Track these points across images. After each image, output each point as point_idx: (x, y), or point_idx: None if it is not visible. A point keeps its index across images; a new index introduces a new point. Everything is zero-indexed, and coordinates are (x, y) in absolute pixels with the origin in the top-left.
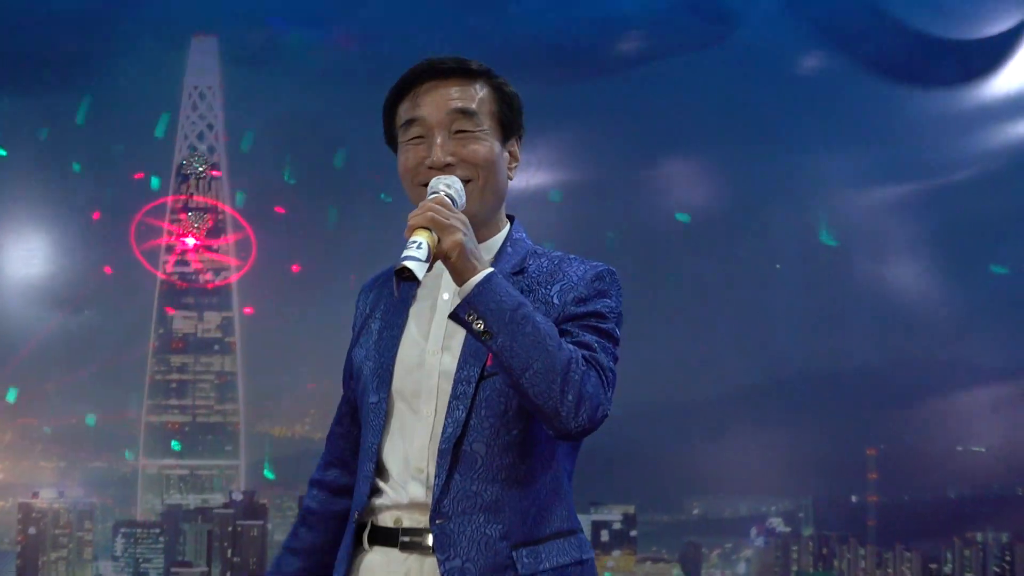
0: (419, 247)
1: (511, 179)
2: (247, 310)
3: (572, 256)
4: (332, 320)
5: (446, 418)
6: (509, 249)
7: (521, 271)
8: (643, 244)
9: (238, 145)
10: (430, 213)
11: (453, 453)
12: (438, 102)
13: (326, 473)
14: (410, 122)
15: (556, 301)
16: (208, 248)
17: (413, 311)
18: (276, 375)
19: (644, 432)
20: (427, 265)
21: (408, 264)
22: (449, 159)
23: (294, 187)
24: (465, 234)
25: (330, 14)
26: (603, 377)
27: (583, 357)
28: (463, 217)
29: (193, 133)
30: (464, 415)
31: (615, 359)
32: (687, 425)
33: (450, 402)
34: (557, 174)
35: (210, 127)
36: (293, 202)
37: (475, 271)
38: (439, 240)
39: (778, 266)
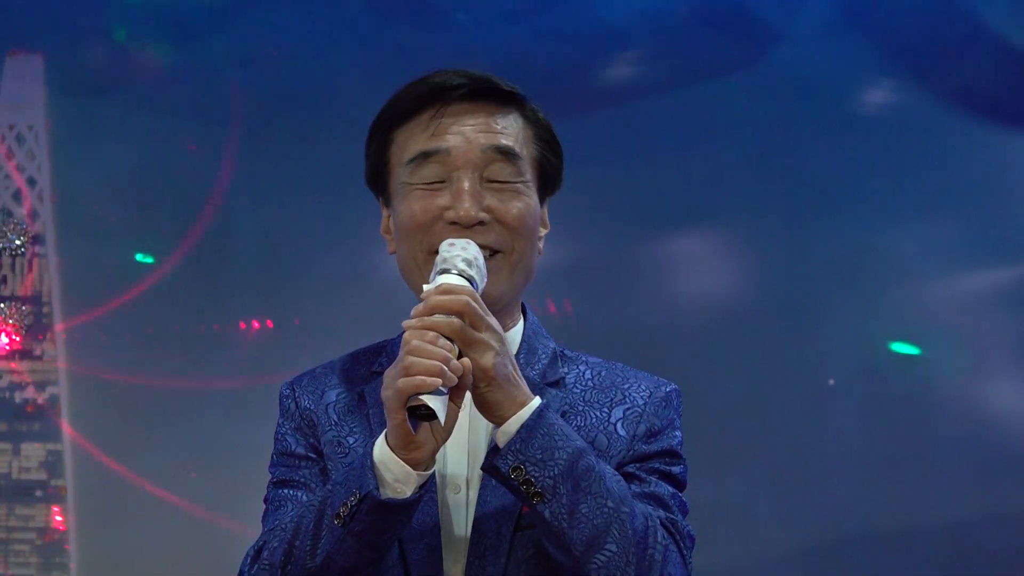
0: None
1: (541, 253)
2: (84, 441)
3: (616, 363)
4: (205, 452)
5: None
6: (531, 348)
7: (557, 382)
8: (643, 348)
9: (71, 207)
10: (458, 321)
11: None
12: (469, 133)
13: None
14: (425, 156)
15: (622, 433)
16: (27, 354)
17: None
18: (123, 532)
19: None
20: (447, 398)
21: (429, 401)
22: (483, 215)
23: (152, 269)
24: (500, 353)
25: (199, 26)
26: (684, 550)
27: (662, 520)
28: (496, 324)
29: (7, 191)
30: None
31: (687, 513)
32: None
33: (471, 561)
34: None
35: (31, 182)
36: (151, 286)
37: (515, 405)
38: (459, 354)
39: (832, 382)
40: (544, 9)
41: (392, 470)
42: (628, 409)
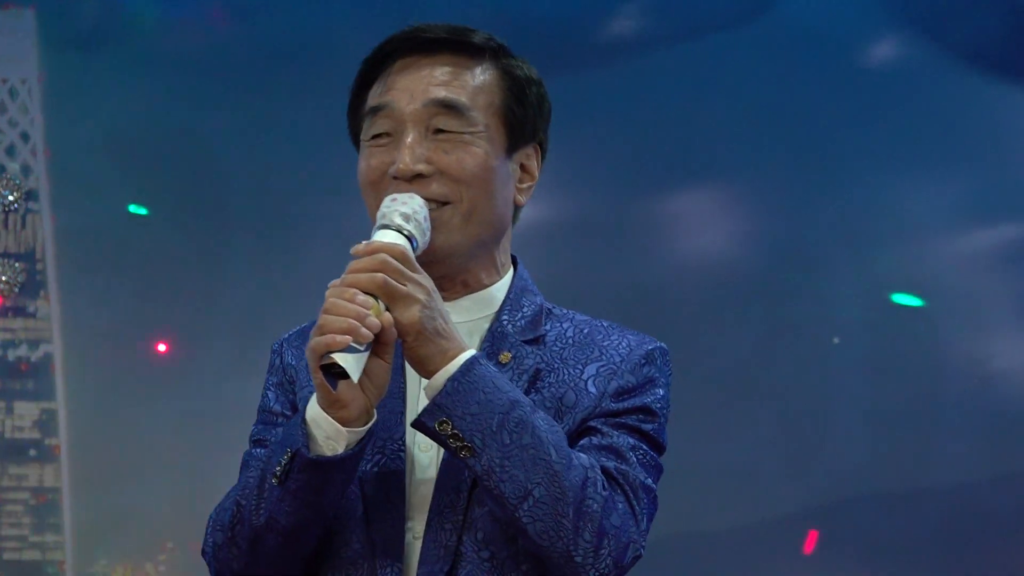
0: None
1: (521, 203)
2: (78, 399)
3: (603, 321)
4: (202, 412)
5: (426, 539)
6: (516, 304)
7: (537, 339)
8: (647, 308)
9: (65, 162)
10: (380, 275)
11: None
12: (414, 87)
13: None
14: (376, 111)
15: (592, 390)
16: (21, 311)
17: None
18: (118, 492)
19: (657, 573)
20: (367, 355)
21: (340, 358)
22: (421, 167)
23: (146, 221)
24: (427, 306)
25: None
26: (633, 501)
27: (610, 471)
28: (425, 279)
29: (0, 146)
30: (455, 538)
31: (658, 472)
32: (713, 563)
33: (430, 518)
34: (526, 207)
35: (24, 137)
36: (146, 243)
37: (445, 358)
38: (386, 309)
39: (836, 340)
40: None
41: (323, 427)
42: (603, 366)
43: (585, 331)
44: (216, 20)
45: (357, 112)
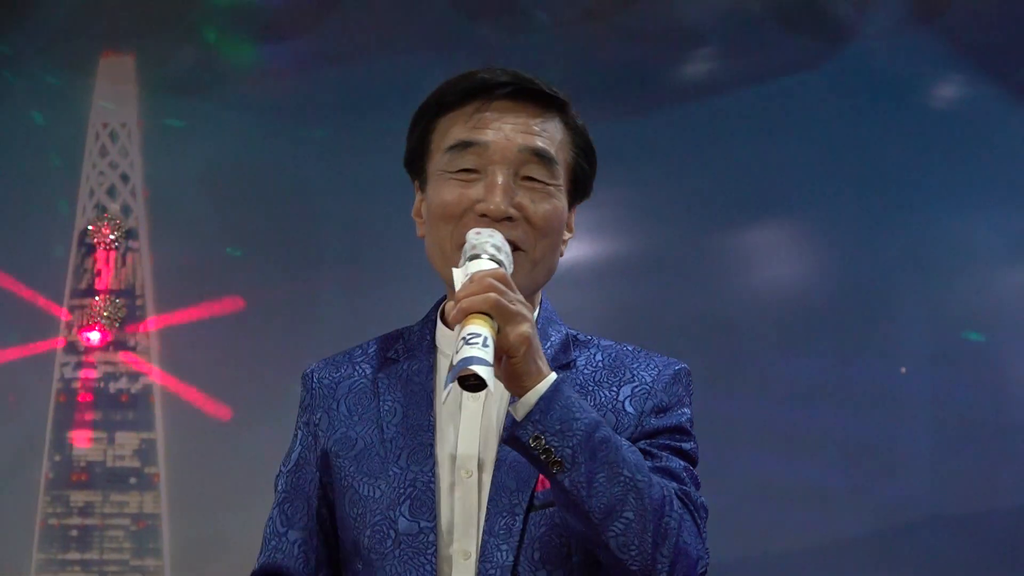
0: (485, 344)
1: (562, 255)
2: (176, 429)
3: (627, 345)
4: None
5: (480, 562)
6: (544, 334)
7: (568, 364)
8: (717, 340)
9: (163, 202)
10: (493, 295)
11: None
12: (509, 130)
13: None
14: (465, 146)
15: (630, 410)
16: (122, 345)
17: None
18: (215, 518)
19: None
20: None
21: (479, 370)
22: (512, 211)
23: (241, 261)
24: (533, 324)
25: (288, 24)
26: (698, 519)
27: (675, 492)
28: (524, 300)
29: (101, 187)
30: (511, 559)
31: (698, 487)
32: None
33: (485, 540)
34: (595, 243)
35: (124, 178)
36: (241, 282)
37: (540, 376)
38: (498, 330)
39: (904, 370)
40: (623, 8)
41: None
42: (636, 387)
43: (613, 355)
44: (309, 66)
45: (425, 138)
